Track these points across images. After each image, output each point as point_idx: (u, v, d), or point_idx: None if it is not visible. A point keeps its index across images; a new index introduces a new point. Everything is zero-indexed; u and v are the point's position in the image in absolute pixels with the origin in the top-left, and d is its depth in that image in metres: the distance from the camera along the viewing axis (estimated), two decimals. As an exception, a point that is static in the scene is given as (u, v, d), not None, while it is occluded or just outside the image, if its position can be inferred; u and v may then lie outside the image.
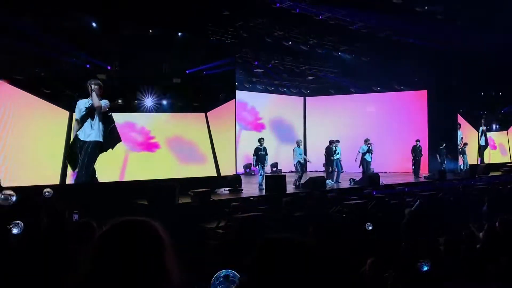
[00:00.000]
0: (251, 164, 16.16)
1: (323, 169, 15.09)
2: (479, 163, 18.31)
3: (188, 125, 11.76)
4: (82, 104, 9.79)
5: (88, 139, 9.81)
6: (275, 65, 16.39)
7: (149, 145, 11.08)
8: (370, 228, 6.40)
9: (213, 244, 6.57)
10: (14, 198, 6.79)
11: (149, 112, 10.99)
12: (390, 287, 2.60)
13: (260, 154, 12.16)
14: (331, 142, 13.78)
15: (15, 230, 4.66)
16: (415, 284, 3.26)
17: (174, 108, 11.52)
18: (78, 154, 9.66)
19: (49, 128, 9.39)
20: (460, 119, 17.94)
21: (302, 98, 19.52)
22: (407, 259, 4.20)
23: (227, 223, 7.61)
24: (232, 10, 11.63)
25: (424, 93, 17.39)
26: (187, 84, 11.66)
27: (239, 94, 14.08)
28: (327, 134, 15.83)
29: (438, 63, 15.39)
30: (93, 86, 9.78)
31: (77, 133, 9.71)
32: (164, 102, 11.30)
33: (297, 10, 12.12)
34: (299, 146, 13.08)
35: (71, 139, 9.61)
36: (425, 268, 2.64)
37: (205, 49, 11.91)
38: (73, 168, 9.58)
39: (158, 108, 11.14)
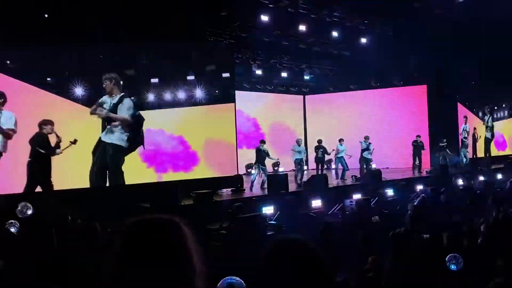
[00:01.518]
0: (252, 164, 16.18)
1: (325, 166, 15.11)
2: (485, 155, 18.23)
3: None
4: (104, 101, 9.28)
5: (109, 141, 9.31)
6: (273, 64, 16.38)
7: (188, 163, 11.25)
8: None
9: (216, 245, 6.57)
10: (30, 212, 6.77)
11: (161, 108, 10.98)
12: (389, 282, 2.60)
13: (260, 154, 12.21)
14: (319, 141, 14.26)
15: (12, 229, 4.71)
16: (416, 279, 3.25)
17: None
18: (101, 155, 9.23)
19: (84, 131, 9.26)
20: (466, 112, 17.92)
21: (302, 96, 19.52)
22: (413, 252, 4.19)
23: (230, 224, 7.62)
24: (229, 11, 11.62)
25: (424, 88, 17.37)
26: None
27: (238, 94, 14.04)
28: (328, 132, 15.85)
29: (437, 57, 15.35)
30: (107, 82, 9.22)
31: (101, 134, 9.29)
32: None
33: (293, 9, 12.12)
34: (299, 144, 13.11)
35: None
36: (453, 267, 2.55)
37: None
38: (95, 169, 9.20)
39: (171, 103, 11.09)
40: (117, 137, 9.38)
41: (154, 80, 11.16)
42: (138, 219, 1.20)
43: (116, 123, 9.35)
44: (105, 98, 9.41)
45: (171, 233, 1.18)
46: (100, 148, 9.30)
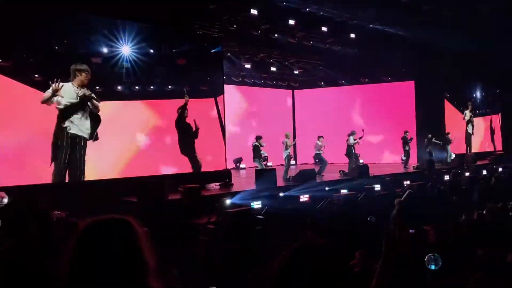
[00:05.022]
0: (241, 158, 16.16)
1: (313, 161, 15.16)
2: (466, 151, 18.50)
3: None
4: (68, 90, 8.88)
5: (80, 134, 9.12)
6: (263, 59, 16.32)
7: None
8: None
9: (204, 240, 6.55)
10: (5, 200, 6.68)
11: (147, 99, 10.74)
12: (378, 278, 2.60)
13: (258, 150, 12.30)
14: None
15: None
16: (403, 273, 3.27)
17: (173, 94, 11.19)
18: (68, 149, 8.93)
19: (40, 119, 8.74)
20: (447, 105, 18.15)
21: (291, 91, 19.51)
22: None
23: (218, 219, 7.59)
24: (218, 4, 11.53)
25: (411, 84, 17.50)
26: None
27: (226, 88, 13.96)
28: (317, 127, 15.88)
29: (425, 53, 15.48)
30: (83, 74, 8.98)
31: (65, 125, 8.90)
32: (168, 87, 10.94)
33: (284, 3, 12.07)
34: (288, 138, 13.13)
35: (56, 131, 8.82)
36: (433, 268, 2.56)
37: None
38: (63, 165, 8.88)
39: (157, 94, 10.85)
40: (86, 128, 9.26)
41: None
42: (91, 220, 1.24)
43: (86, 113, 9.26)
44: (69, 86, 9.02)
45: (121, 233, 1.22)
46: (70, 142, 9.04)
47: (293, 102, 19.56)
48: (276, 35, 14.05)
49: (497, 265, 3.49)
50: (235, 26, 12.92)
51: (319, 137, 13.95)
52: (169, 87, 11.29)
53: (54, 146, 8.87)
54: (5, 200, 6.75)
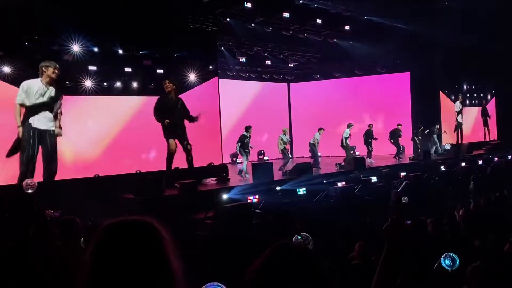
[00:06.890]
0: (237, 152, 16.12)
1: (310, 155, 15.16)
2: (457, 141, 18.54)
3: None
4: (37, 88, 8.94)
5: (48, 128, 9.22)
6: (257, 52, 16.24)
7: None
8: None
9: (202, 235, 6.55)
10: (30, 190, 6.63)
11: (121, 95, 10.67)
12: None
13: (246, 141, 12.12)
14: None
15: None
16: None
17: (145, 90, 11.17)
18: (36, 145, 8.99)
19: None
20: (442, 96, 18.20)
21: (286, 84, 19.46)
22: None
23: (216, 213, 7.59)
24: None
25: (406, 75, 17.50)
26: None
27: (222, 82, 13.91)
28: (312, 120, 15.88)
29: (420, 44, 15.45)
30: (49, 69, 8.98)
31: (30, 121, 8.95)
32: (135, 84, 10.90)
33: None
34: (284, 133, 13.11)
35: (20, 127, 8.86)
36: (447, 263, 2.51)
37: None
38: (30, 160, 8.89)
39: (131, 91, 10.80)
40: (53, 123, 9.36)
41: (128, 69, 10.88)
42: (111, 223, 1.12)
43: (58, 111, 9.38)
44: (38, 84, 9.06)
45: (146, 237, 1.10)
46: (38, 137, 9.09)
47: (288, 95, 19.51)
48: (270, 28, 13.97)
49: (494, 255, 3.51)
50: (228, 19, 12.84)
51: (319, 129, 13.93)
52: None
53: (17, 142, 8.91)
54: (30, 190, 6.67)
